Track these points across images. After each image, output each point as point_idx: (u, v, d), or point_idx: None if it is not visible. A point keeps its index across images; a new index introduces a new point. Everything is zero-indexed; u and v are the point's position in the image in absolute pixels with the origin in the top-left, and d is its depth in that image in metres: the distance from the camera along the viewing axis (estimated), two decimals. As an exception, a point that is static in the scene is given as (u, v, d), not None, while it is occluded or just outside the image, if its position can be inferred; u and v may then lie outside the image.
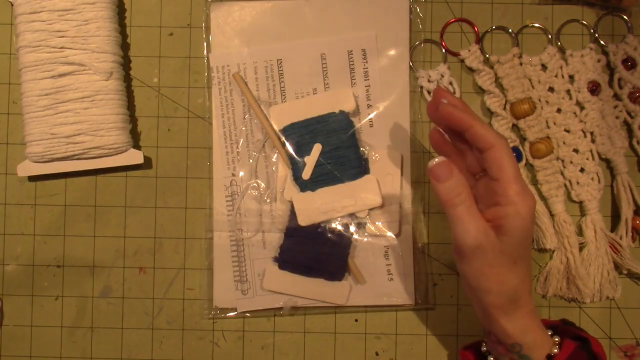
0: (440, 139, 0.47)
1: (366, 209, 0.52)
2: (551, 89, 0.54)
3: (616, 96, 0.54)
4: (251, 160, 0.54)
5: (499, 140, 0.41)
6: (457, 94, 0.54)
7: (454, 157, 0.46)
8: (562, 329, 0.46)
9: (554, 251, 0.53)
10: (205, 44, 0.55)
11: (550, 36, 0.54)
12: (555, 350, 0.42)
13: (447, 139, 0.46)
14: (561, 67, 0.54)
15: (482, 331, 0.46)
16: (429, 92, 0.54)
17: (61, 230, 0.55)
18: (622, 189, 0.53)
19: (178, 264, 0.55)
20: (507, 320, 0.42)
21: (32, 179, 0.55)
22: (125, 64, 0.55)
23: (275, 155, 0.54)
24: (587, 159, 0.53)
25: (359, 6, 0.54)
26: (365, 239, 0.53)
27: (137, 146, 0.55)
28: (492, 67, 0.54)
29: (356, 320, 0.54)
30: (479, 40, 0.54)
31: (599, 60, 0.54)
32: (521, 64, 0.54)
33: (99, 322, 0.55)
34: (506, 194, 0.40)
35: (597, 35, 0.54)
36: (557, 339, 0.43)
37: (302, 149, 0.53)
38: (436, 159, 0.41)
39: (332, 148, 0.52)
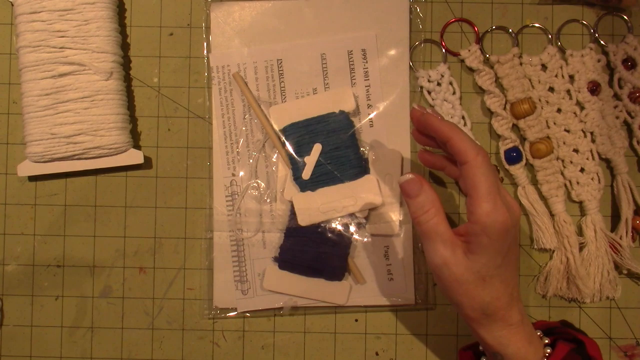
0: (430, 158, 0.48)
1: (366, 209, 0.52)
2: (551, 89, 0.54)
3: (616, 96, 0.54)
4: (251, 160, 0.54)
5: (474, 155, 0.40)
6: (457, 94, 0.54)
7: (449, 168, 0.46)
8: (560, 330, 0.46)
9: (554, 251, 0.53)
10: (205, 44, 0.55)
11: (550, 36, 0.54)
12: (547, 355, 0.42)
13: (436, 155, 0.47)
14: (561, 67, 0.54)
15: None
16: (429, 92, 0.54)
17: (61, 230, 0.55)
18: (622, 189, 0.53)
19: (178, 264, 0.55)
20: (484, 332, 0.42)
21: (32, 179, 0.55)
22: (125, 64, 0.55)
23: (275, 155, 0.54)
24: (587, 159, 0.53)
25: (359, 6, 0.54)
26: (365, 239, 0.53)
27: (137, 146, 0.55)
28: (492, 67, 0.54)
29: (356, 320, 0.54)
30: (479, 40, 0.54)
31: (599, 60, 0.54)
32: (521, 64, 0.54)
33: (99, 322, 0.55)
34: (475, 212, 0.39)
35: (597, 35, 0.54)
36: (547, 340, 0.43)
37: (302, 149, 0.53)
38: (408, 175, 0.42)
39: (332, 148, 0.52)
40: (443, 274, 0.41)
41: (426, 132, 0.44)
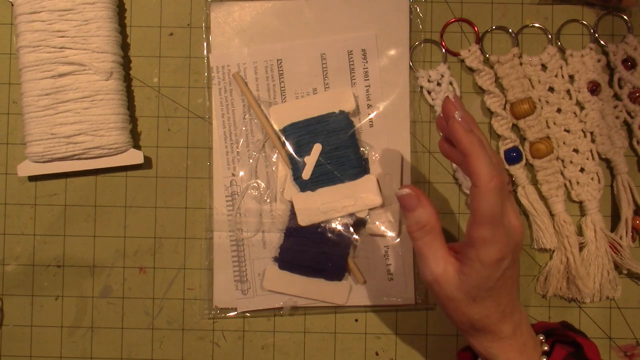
0: (450, 149, 0.44)
1: (366, 209, 0.52)
2: (551, 89, 0.54)
3: (616, 96, 0.54)
4: (251, 160, 0.54)
5: (486, 182, 0.37)
6: (457, 94, 0.54)
7: (465, 167, 0.45)
8: (559, 332, 0.46)
9: (554, 251, 0.53)
10: (205, 44, 0.55)
11: (550, 36, 0.54)
12: None
13: (456, 151, 0.44)
14: (561, 67, 0.54)
15: None
16: (429, 92, 0.54)
17: (61, 230, 0.55)
18: (622, 189, 0.53)
19: (178, 264, 0.55)
20: (473, 341, 0.42)
21: (32, 179, 0.55)
22: (125, 64, 0.55)
23: (275, 155, 0.54)
24: (587, 159, 0.53)
25: (359, 6, 0.54)
26: (365, 239, 0.53)
27: (137, 146, 0.55)
28: (492, 67, 0.54)
29: (356, 320, 0.54)
30: (479, 40, 0.54)
31: (599, 60, 0.54)
32: (521, 64, 0.54)
33: (99, 322, 0.55)
34: (471, 235, 0.38)
35: (597, 35, 0.54)
36: (546, 348, 0.43)
37: (302, 149, 0.53)
38: (405, 189, 0.41)
39: (332, 148, 0.52)
40: (433, 289, 0.41)
41: (450, 138, 0.41)
